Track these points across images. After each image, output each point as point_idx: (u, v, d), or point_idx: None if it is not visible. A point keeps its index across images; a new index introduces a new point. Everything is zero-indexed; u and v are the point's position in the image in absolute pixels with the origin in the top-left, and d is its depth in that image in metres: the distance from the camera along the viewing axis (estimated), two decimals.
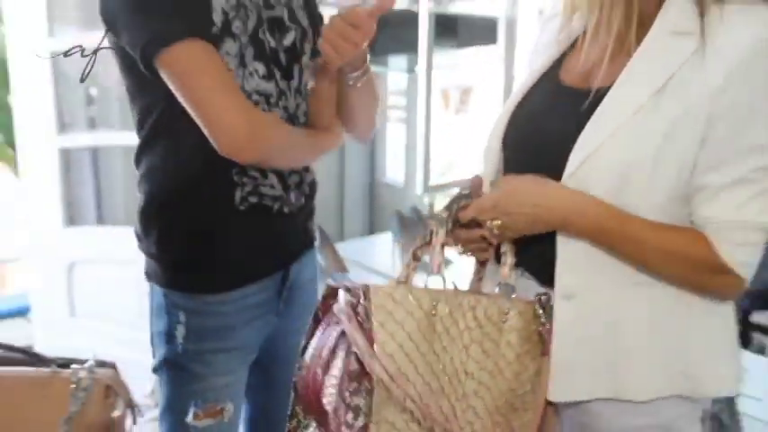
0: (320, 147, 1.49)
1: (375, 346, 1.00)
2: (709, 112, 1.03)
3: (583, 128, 1.09)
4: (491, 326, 1.08)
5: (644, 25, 1.09)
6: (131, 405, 1.76)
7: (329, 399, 1.04)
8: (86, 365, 1.76)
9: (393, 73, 3.04)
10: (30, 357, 1.84)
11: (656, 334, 1.12)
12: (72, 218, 2.82)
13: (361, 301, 1.01)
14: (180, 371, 1.44)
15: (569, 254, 1.11)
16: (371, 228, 3.29)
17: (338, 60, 1.34)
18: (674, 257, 1.09)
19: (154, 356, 1.47)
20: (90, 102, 2.85)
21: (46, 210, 2.78)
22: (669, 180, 1.07)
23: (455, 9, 2.61)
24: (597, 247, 1.10)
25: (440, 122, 2.68)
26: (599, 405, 1.13)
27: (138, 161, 1.44)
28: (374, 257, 2.86)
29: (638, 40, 1.10)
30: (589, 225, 1.09)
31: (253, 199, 1.40)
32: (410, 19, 2.49)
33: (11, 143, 3.21)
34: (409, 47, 2.53)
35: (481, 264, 1.21)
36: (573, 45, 1.21)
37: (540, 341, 1.10)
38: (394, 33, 2.60)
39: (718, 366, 1.15)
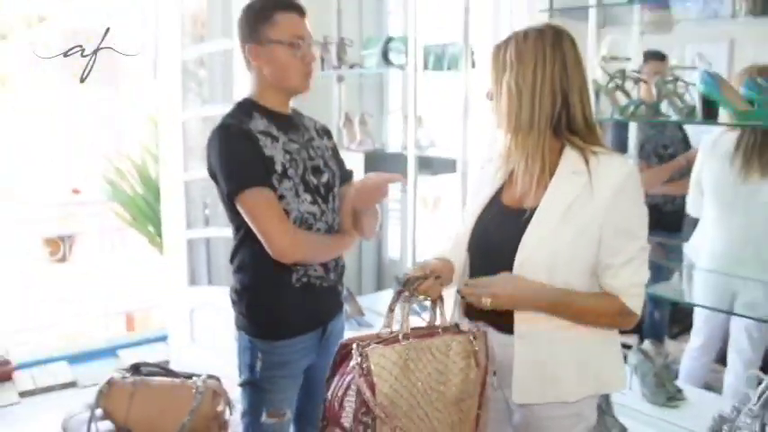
0: (340, 247, 1.46)
1: (375, 390, 1.01)
2: (600, 222, 1.06)
3: (521, 237, 1.10)
4: (441, 355, 1.08)
5: (552, 168, 1.11)
6: (229, 403, 1.84)
7: (345, 419, 1.05)
8: (202, 377, 1.87)
9: (392, 192, 3.02)
10: (167, 371, 1.94)
11: (580, 359, 1.13)
12: (193, 280, 2.84)
13: (365, 360, 1.02)
14: (257, 388, 1.44)
15: (523, 313, 1.12)
16: (379, 286, 3.26)
17: (365, 208, 1.43)
18: (599, 312, 1.11)
19: (240, 377, 1.48)
20: (205, 207, 2.88)
21: (177, 275, 2.81)
22: (579, 268, 1.09)
23: (430, 153, 2.67)
24: (548, 314, 1.09)
25: (422, 220, 2.67)
26: (541, 405, 1.14)
27: (232, 259, 1.45)
28: (381, 305, 2.80)
29: (551, 177, 1.11)
30: (543, 303, 1.09)
31: (304, 279, 1.40)
32: (402, 158, 2.55)
33: (159, 234, 3.18)
34: (402, 175, 2.49)
35: (434, 301, 1.17)
36: (509, 177, 1.20)
37: (474, 357, 1.10)
38: (392, 167, 2.63)
39: (614, 374, 1.18)
